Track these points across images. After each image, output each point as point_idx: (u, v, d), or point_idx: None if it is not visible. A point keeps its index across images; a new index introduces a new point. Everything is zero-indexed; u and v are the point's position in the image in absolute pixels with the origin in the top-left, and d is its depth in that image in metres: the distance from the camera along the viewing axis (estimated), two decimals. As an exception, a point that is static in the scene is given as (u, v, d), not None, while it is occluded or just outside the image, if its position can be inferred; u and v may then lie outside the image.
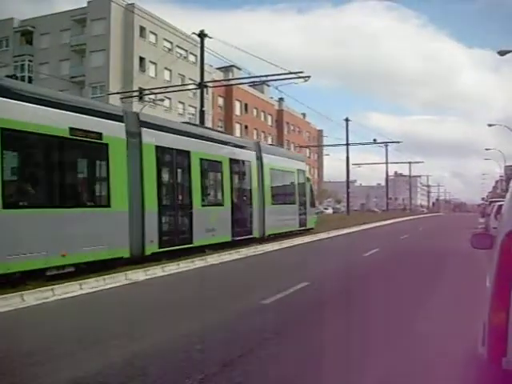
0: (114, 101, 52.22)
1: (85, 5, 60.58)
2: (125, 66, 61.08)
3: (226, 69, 72.95)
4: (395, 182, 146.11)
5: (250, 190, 23.73)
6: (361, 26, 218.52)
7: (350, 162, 69.74)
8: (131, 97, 46.61)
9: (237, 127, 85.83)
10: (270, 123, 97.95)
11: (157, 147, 16.75)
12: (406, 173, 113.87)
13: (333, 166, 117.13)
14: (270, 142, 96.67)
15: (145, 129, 16.38)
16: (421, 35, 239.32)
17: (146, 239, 15.86)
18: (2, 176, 11.25)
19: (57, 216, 12.69)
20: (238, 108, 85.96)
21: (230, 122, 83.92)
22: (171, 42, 64.03)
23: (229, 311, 9.67)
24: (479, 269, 7.51)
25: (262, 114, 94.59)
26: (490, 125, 68.22)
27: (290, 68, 31.74)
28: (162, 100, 55.08)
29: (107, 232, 14.19)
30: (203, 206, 19.27)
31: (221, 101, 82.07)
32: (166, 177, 17.89)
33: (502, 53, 33.99)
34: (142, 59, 62.78)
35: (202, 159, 19.38)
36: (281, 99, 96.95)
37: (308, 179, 32.01)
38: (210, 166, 20.40)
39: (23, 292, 10.59)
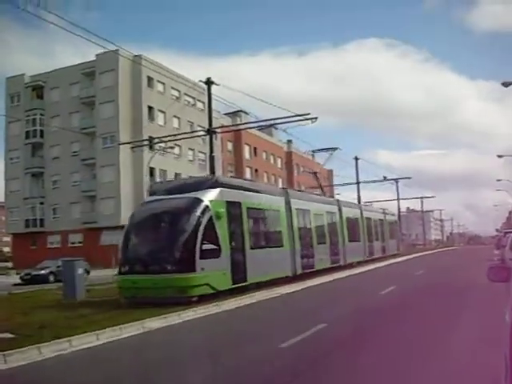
0: (125, 150, 52.84)
1: (93, 58, 61.76)
2: (134, 115, 61.89)
3: (234, 114, 73.66)
4: (407, 217, 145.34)
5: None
6: (362, 65, 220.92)
7: (361, 200, 69.52)
8: (141, 145, 47.04)
9: (247, 171, 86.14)
10: (279, 166, 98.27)
11: (297, 209, 28.39)
12: (418, 208, 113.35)
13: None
14: (280, 183, 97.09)
15: (292, 199, 28.08)
16: (423, 70, 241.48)
17: (297, 265, 26.95)
18: (249, 232, 22.20)
19: (267, 252, 23.53)
20: (247, 152, 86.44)
21: (240, 166, 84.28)
22: (179, 90, 64.93)
23: (246, 357, 9.59)
24: (498, 303, 7.43)
25: (272, 156, 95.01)
26: (499, 156, 67.94)
27: (294, 109, 32.00)
28: (172, 148, 55.52)
29: (283, 261, 25.37)
30: (319, 243, 31.01)
31: (230, 145, 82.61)
32: (299, 228, 28.53)
33: (505, 84, 34.17)
34: (150, 108, 63.60)
35: (315, 214, 31.57)
36: (289, 141, 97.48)
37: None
38: (325, 217, 33.83)
39: (40, 345, 10.56)
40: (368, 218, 45.83)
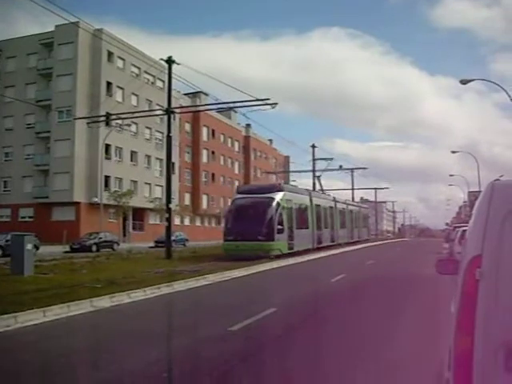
0: (81, 125, 51.98)
1: (52, 29, 60.27)
2: (92, 90, 60.85)
3: (194, 95, 73.25)
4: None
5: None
6: (324, 53, 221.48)
7: (317, 188, 70.02)
8: (98, 121, 46.30)
9: (204, 153, 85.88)
10: (237, 149, 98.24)
11: (316, 205, 43.98)
12: (372, 198, 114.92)
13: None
14: (236, 167, 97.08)
15: (313, 197, 43.20)
16: (384, 62, 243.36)
17: (314, 242, 40.71)
18: (296, 218, 36.59)
19: (303, 232, 37.78)
20: (205, 134, 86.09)
21: (197, 147, 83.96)
22: (139, 68, 64.12)
23: (196, 339, 9.57)
24: (445, 294, 7.59)
25: (229, 140, 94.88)
26: (453, 152, 69.36)
27: (255, 94, 32.19)
28: (129, 125, 54.96)
29: (309, 238, 39.66)
30: (326, 228, 47.06)
31: (188, 126, 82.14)
32: (317, 217, 43.57)
33: (464, 81, 34.80)
34: (109, 84, 62.61)
35: (318, 205, 44.76)
36: (248, 125, 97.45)
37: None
38: (329, 210, 49.64)
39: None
40: (351, 211, 62.67)
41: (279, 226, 32.76)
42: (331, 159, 64.51)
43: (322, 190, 62.05)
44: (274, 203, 33.00)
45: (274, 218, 32.48)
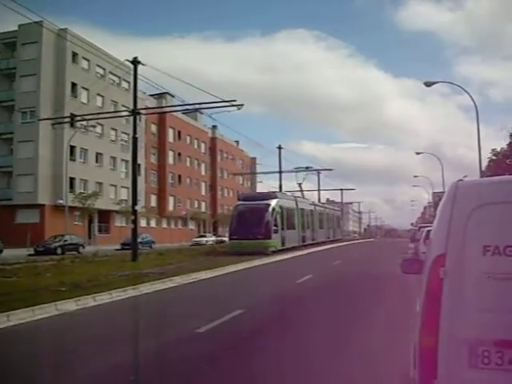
0: (45, 126, 51.30)
1: (15, 28, 59.31)
2: (56, 91, 60.12)
3: (160, 96, 72.92)
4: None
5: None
6: (290, 55, 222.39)
7: (283, 189, 70.24)
8: (63, 123, 45.77)
9: (170, 154, 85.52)
10: (203, 151, 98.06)
11: (301, 209, 52.44)
12: (338, 200, 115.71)
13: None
14: (203, 169, 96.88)
15: (298, 202, 52.16)
16: (349, 64, 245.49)
17: (299, 241, 49.39)
18: (287, 221, 44.30)
19: (292, 232, 46.56)
20: (171, 135, 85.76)
21: (163, 149, 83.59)
22: (104, 69, 63.56)
23: (162, 341, 9.51)
24: (410, 293, 7.68)
25: (196, 141, 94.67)
26: (417, 153, 70.11)
27: (221, 95, 32.35)
28: (94, 126, 54.51)
29: (295, 237, 47.76)
30: (307, 229, 54.32)
31: (154, 128, 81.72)
32: (302, 219, 51.65)
33: (428, 84, 35.24)
34: (74, 85, 61.98)
35: (302, 209, 52.74)
36: (214, 127, 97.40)
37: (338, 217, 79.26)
38: (307, 212, 56.00)
39: None
40: (327, 214, 71.96)
41: (274, 227, 40.63)
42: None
43: (303, 195, 65.81)
44: (270, 208, 40.73)
45: (271, 220, 40.23)
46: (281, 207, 43.01)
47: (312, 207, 60.45)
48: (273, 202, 41.58)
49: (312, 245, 53.55)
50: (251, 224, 39.11)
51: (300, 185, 67.79)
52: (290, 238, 45.19)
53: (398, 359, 6.45)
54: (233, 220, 41.76)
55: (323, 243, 60.61)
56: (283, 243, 42.56)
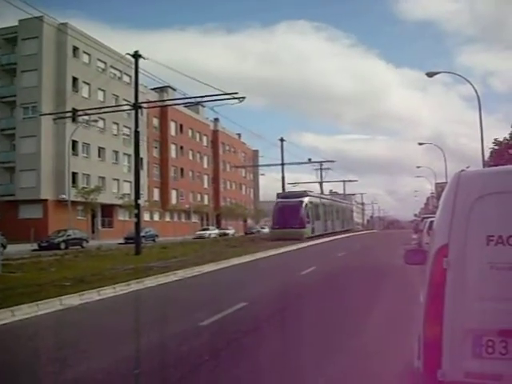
0: (47, 121, 51.31)
1: (16, 23, 59.26)
2: (57, 86, 60.08)
3: (161, 89, 72.80)
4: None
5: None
6: (290, 46, 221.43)
7: (286, 181, 70.42)
8: (64, 117, 45.77)
9: (172, 148, 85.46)
10: (205, 144, 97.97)
11: (323, 204, 65.22)
12: (341, 191, 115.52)
13: (268, 186, 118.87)
14: (205, 162, 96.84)
15: (321, 199, 66.09)
16: (351, 55, 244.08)
17: (324, 230, 61.36)
18: (316, 213, 58.65)
19: (319, 222, 59.82)
20: (173, 129, 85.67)
21: (165, 142, 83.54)
22: (105, 63, 63.48)
23: (166, 334, 9.53)
24: (413, 284, 7.67)
25: (198, 134, 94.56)
26: (420, 143, 70.43)
27: (222, 87, 32.23)
28: (96, 121, 54.47)
29: (321, 227, 60.57)
30: (327, 220, 66.05)
31: (156, 121, 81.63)
32: (324, 212, 63.82)
33: (430, 74, 35.10)
34: (75, 79, 61.94)
35: (324, 204, 65.77)
36: (216, 120, 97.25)
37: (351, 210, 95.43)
38: (330, 207, 69.93)
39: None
40: (342, 207, 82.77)
41: (307, 219, 53.72)
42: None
43: (322, 192, 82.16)
44: (304, 204, 54.15)
45: (304, 213, 53.29)
46: (311, 203, 56.33)
47: (331, 202, 74.18)
48: (305, 199, 54.91)
49: (333, 233, 64.52)
50: (289, 217, 51.16)
51: (321, 184, 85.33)
52: (318, 227, 58.45)
53: (403, 350, 6.46)
54: (274, 214, 54.99)
55: (339, 233, 70.05)
56: (313, 232, 55.23)
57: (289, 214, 51.35)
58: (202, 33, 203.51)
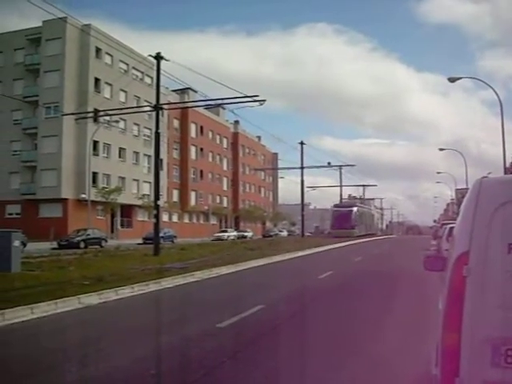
0: (69, 121, 51.77)
1: (40, 24, 59.91)
2: (80, 86, 60.61)
3: (182, 91, 73.09)
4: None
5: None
6: (310, 49, 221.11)
7: (305, 184, 70.57)
8: (86, 118, 46.13)
9: (192, 149, 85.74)
10: (225, 146, 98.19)
11: (365, 211, 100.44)
12: (360, 196, 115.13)
13: (287, 189, 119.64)
14: (225, 164, 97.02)
15: (363, 207, 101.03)
16: (371, 58, 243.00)
17: (365, 231, 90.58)
18: (360, 219, 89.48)
19: (361, 226, 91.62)
20: (193, 130, 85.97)
21: (185, 144, 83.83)
22: (127, 64, 63.93)
23: (183, 335, 9.56)
24: (432, 291, 7.63)
25: (218, 136, 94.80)
26: (441, 149, 69.79)
27: (241, 89, 32.24)
28: (117, 121, 54.77)
29: (363, 229, 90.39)
30: (367, 225, 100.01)
31: (176, 123, 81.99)
32: (366, 218, 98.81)
33: (452, 80, 34.89)
34: (97, 80, 62.43)
35: (364, 212, 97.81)
36: (236, 122, 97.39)
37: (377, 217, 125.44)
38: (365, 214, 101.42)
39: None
40: (372, 213, 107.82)
41: (355, 223, 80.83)
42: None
43: (362, 200, 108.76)
44: (353, 212, 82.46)
45: (353, 218, 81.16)
46: (358, 211, 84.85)
47: (366, 209, 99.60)
48: (354, 208, 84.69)
49: (368, 235, 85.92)
50: (343, 221, 78.23)
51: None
52: (361, 229, 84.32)
53: (421, 357, 6.41)
54: (332, 218, 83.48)
55: (371, 235, 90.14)
56: (359, 232, 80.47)
57: (343, 219, 78.64)
58: (221, 35, 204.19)
